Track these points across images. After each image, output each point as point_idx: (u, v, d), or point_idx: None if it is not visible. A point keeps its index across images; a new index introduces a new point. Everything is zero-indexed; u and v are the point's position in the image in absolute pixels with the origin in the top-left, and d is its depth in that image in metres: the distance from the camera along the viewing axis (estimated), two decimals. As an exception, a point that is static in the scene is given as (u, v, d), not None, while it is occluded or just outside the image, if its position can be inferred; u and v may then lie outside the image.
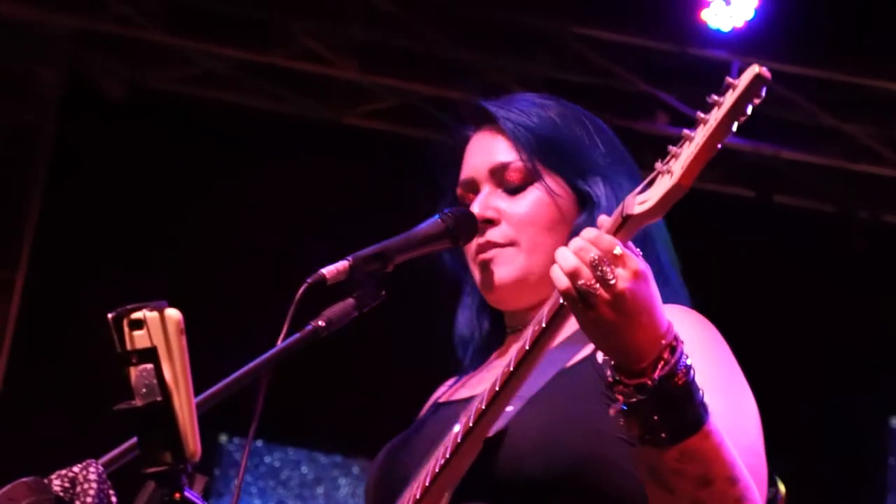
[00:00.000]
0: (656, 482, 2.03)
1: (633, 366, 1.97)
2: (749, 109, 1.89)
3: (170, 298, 1.78)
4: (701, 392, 1.98)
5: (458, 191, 2.57)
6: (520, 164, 2.50)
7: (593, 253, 1.97)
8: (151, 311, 1.74)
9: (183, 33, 7.58)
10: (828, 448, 7.52)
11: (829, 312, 7.62)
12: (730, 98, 1.88)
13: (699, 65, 7.24)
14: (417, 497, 2.20)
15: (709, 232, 7.45)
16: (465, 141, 2.61)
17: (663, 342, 1.96)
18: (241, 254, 7.55)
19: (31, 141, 7.59)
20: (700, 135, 1.90)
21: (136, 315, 1.74)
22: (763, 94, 1.88)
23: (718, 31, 7.15)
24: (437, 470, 2.18)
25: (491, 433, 2.20)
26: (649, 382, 1.95)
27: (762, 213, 7.63)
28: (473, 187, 2.54)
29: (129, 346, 1.74)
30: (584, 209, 2.48)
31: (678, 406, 1.96)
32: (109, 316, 1.75)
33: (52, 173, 7.62)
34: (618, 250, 1.95)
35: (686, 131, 1.92)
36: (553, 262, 2.10)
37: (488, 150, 2.54)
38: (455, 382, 2.63)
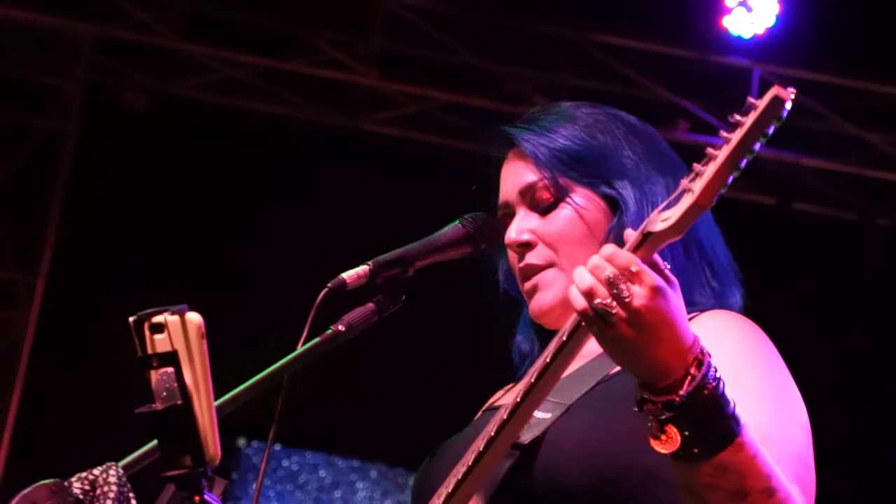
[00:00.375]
0: (691, 496, 2.02)
1: (658, 382, 1.95)
2: (772, 130, 1.89)
3: (191, 303, 1.78)
4: (732, 404, 1.96)
5: (499, 214, 2.55)
6: (544, 182, 2.48)
7: (608, 271, 1.95)
8: (172, 314, 1.74)
9: (204, 41, 7.60)
10: (833, 451, 7.49)
11: (848, 319, 7.60)
12: (749, 119, 1.89)
13: (720, 72, 7.24)
14: (441, 502, 2.18)
15: (729, 239, 7.44)
16: (500, 162, 2.59)
17: (689, 357, 1.95)
18: (263, 259, 7.57)
19: (52, 149, 7.62)
20: (720, 154, 1.90)
21: (157, 319, 1.74)
22: (785, 114, 1.89)
23: (740, 37, 7.15)
24: (459, 477, 2.17)
25: (527, 440, 2.20)
26: (676, 399, 1.93)
27: (783, 220, 7.61)
28: (509, 211, 2.53)
29: (149, 350, 1.75)
30: (615, 216, 2.47)
31: (709, 421, 1.94)
32: (130, 320, 1.75)
33: (74, 180, 7.64)
34: (634, 267, 1.94)
35: (709, 150, 1.93)
36: None
37: (517, 173, 2.52)
38: (511, 388, 2.62)
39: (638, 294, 1.94)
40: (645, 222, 1.99)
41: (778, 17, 7.09)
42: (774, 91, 1.88)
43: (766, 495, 2.00)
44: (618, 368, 2.26)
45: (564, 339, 2.08)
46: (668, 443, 1.96)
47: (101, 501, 1.77)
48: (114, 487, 1.79)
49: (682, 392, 1.94)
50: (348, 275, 2.31)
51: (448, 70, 7.61)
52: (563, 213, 2.47)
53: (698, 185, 1.91)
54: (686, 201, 1.93)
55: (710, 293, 2.46)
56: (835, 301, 7.63)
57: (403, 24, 7.53)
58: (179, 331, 1.74)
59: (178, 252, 7.59)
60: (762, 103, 1.88)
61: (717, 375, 1.96)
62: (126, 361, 1.79)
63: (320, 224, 7.60)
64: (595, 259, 1.98)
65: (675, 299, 1.97)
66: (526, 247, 2.47)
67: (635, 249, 1.98)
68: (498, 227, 2.48)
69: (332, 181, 7.71)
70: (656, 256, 1.99)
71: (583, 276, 1.98)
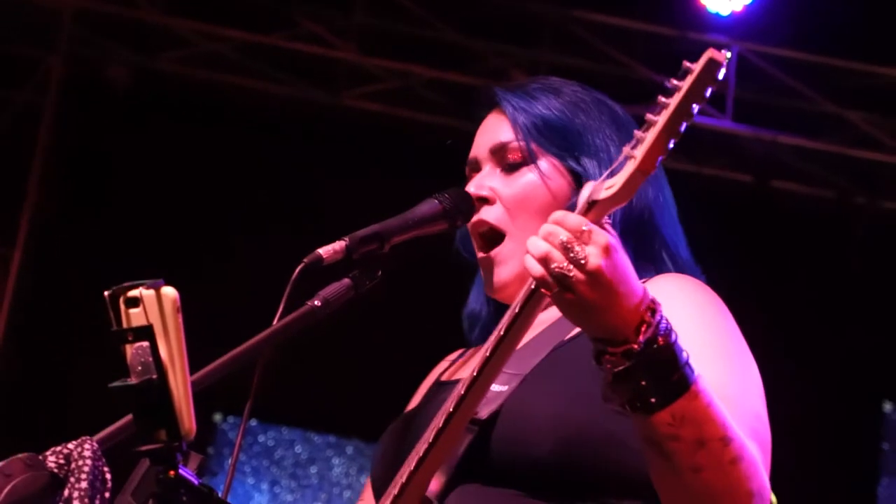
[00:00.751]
0: (653, 450, 2.03)
1: (617, 336, 1.97)
2: (708, 93, 1.90)
3: (167, 277, 1.78)
4: (685, 354, 1.98)
5: (466, 170, 2.59)
6: (516, 143, 2.51)
7: (563, 235, 1.97)
8: (148, 288, 1.73)
9: (184, 15, 7.57)
10: (821, 433, 7.53)
11: (826, 298, 7.62)
12: (686, 83, 1.90)
13: (699, 49, 7.21)
14: (403, 482, 2.19)
15: (707, 216, 7.45)
16: (477, 127, 2.63)
17: (642, 307, 1.96)
18: (240, 233, 7.55)
19: (31, 122, 7.58)
20: (659, 120, 1.91)
21: (133, 293, 1.74)
22: (720, 77, 1.90)
23: (717, 15, 7.15)
24: (421, 455, 2.17)
25: (485, 415, 2.20)
26: (636, 346, 1.95)
27: (760, 199, 7.63)
28: (476, 166, 2.55)
29: (125, 324, 1.74)
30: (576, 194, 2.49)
31: (665, 368, 1.96)
32: (105, 293, 1.75)
33: (53, 154, 7.61)
34: (585, 226, 1.95)
35: (649, 115, 1.93)
36: None
37: (492, 131, 2.56)
38: (457, 359, 2.64)
39: (593, 254, 1.95)
40: (590, 191, 1.99)
41: (756, -5, 7.10)
42: (710, 54, 1.89)
43: (722, 443, 2.02)
44: (571, 335, 2.28)
45: (517, 310, 2.09)
46: (624, 392, 1.98)
47: (76, 475, 1.77)
48: (88, 461, 1.78)
49: (640, 339, 1.95)
50: (324, 250, 2.31)
51: (429, 45, 7.60)
52: (528, 176, 2.49)
53: (639, 151, 1.92)
54: (629, 168, 1.94)
55: (661, 258, 2.47)
56: (814, 279, 7.65)
57: (384, -1, 7.52)
58: (155, 305, 1.73)
59: (156, 226, 7.57)
60: (697, 67, 1.89)
61: (669, 325, 1.98)
62: (103, 335, 1.79)
63: (299, 199, 7.59)
64: (547, 226, 1.99)
65: (623, 254, 1.99)
66: (483, 202, 2.49)
67: (583, 214, 1.99)
68: (472, 203, 2.48)
69: (312, 155, 7.70)
70: (605, 218, 2.00)
71: (537, 244, 1.99)
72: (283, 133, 7.78)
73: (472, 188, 2.50)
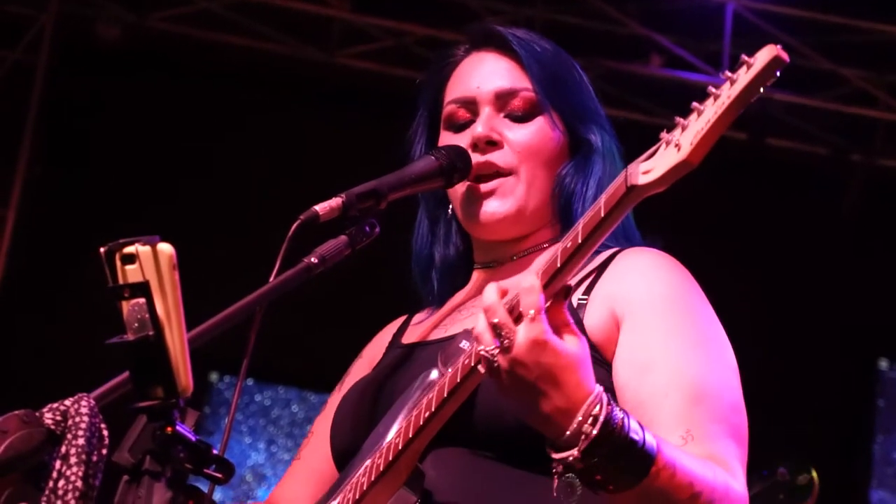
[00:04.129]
0: None
1: (553, 437, 1.95)
2: (762, 90, 1.82)
3: (164, 235, 1.77)
4: (641, 440, 1.94)
5: (450, 107, 2.54)
6: (529, 94, 2.49)
7: (497, 316, 1.94)
8: (144, 245, 1.72)
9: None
10: (817, 390, 7.55)
11: (820, 255, 7.63)
12: (744, 77, 1.81)
13: (694, 6, 7.21)
14: (400, 447, 2.18)
15: (700, 173, 7.44)
16: (455, 62, 2.59)
17: (582, 414, 1.92)
18: (237, 192, 7.54)
19: (23, 80, 7.54)
20: (711, 111, 1.84)
21: (129, 249, 1.72)
22: (778, 75, 1.81)
23: (714, -28, 7.12)
24: (421, 423, 2.16)
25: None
26: (571, 458, 1.93)
27: (755, 155, 7.61)
28: (471, 107, 2.52)
29: (121, 281, 1.73)
30: (574, 156, 2.48)
31: (616, 464, 1.93)
32: (101, 250, 1.73)
33: (44, 113, 7.58)
34: (532, 310, 1.91)
35: (695, 104, 1.86)
36: (540, 197, 2.17)
37: (496, 73, 2.52)
38: (419, 319, 2.60)
39: (518, 345, 1.92)
40: (624, 173, 1.94)
41: (753, -48, 7.07)
42: (773, 51, 1.80)
43: (692, 499, 2.00)
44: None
45: (459, 380, 2.08)
46: (576, 489, 1.99)
47: (73, 432, 1.76)
48: (85, 418, 1.78)
49: (578, 451, 1.92)
50: (321, 207, 2.30)
51: (422, 3, 7.56)
52: (538, 126, 2.48)
53: (686, 140, 1.85)
54: (673, 156, 1.87)
55: (621, 235, 2.44)
56: (809, 236, 7.65)
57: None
58: (151, 261, 1.72)
59: (151, 185, 7.56)
60: (759, 63, 1.81)
61: (620, 421, 1.93)
62: (99, 294, 1.78)
63: (293, 156, 7.57)
64: (491, 295, 1.96)
65: (566, 356, 1.93)
66: (492, 144, 2.47)
67: (617, 203, 1.94)
68: (469, 159, 2.47)
69: (306, 114, 7.67)
70: (567, 313, 1.97)
71: (479, 319, 1.98)
72: (277, 92, 7.75)
73: (480, 129, 2.47)
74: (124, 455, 1.74)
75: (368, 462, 2.24)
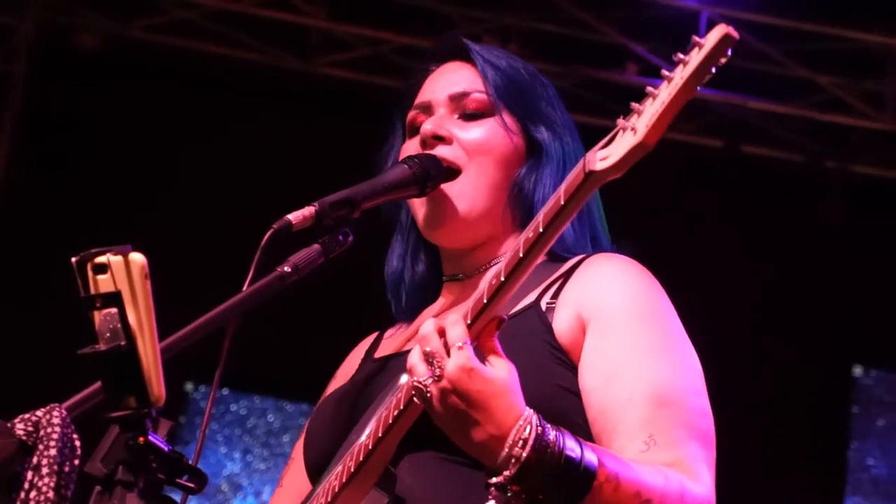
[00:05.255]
0: None
1: (486, 462, 1.98)
2: (714, 69, 1.86)
3: (138, 244, 1.77)
4: (578, 456, 1.96)
5: (411, 114, 2.56)
6: (481, 94, 2.51)
7: (430, 345, 2.00)
8: (115, 255, 1.72)
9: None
10: (790, 398, 7.57)
11: (795, 262, 7.65)
12: (696, 58, 1.85)
13: (669, 15, 7.23)
14: (370, 447, 2.19)
15: (677, 181, 7.46)
16: (425, 76, 2.62)
17: (512, 438, 1.96)
18: (212, 201, 7.53)
19: (1, 89, 7.52)
20: (665, 93, 1.86)
21: (100, 259, 1.73)
22: (729, 53, 1.85)
23: (689, -20, 7.15)
24: (390, 421, 2.17)
25: None
26: (504, 480, 1.95)
27: (730, 163, 7.64)
28: (428, 110, 2.54)
29: (93, 290, 1.73)
30: (529, 160, 2.48)
31: (552, 487, 1.95)
32: (73, 260, 1.74)
33: (23, 121, 7.56)
34: (459, 343, 1.97)
35: (650, 88, 1.89)
36: (494, 199, 2.20)
37: (451, 79, 2.55)
38: (391, 335, 2.62)
39: (448, 373, 1.97)
40: (582, 161, 1.97)
41: (728, -40, 7.10)
42: (724, 29, 1.84)
43: None
44: (520, 307, 2.28)
45: (485, 301, 2.07)
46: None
47: (45, 443, 1.76)
48: (57, 429, 1.78)
49: (508, 475, 1.95)
50: (294, 216, 2.30)
51: (399, 12, 7.57)
52: (488, 125, 2.49)
53: (642, 124, 1.88)
54: (629, 140, 1.89)
55: (581, 235, 2.45)
56: (784, 243, 7.68)
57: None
58: (123, 271, 1.72)
59: (129, 192, 7.54)
60: (710, 41, 1.84)
61: (553, 441, 1.96)
62: (70, 304, 1.78)
63: (269, 164, 7.56)
64: (427, 326, 2.02)
65: (495, 382, 1.97)
66: (439, 139, 2.47)
67: (577, 189, 1.96)
68: (442, 166, 2.47)
69: (283, 122, 7.67)
70: (496, 342, 2.01)
71: (413, 351, 2.03)
72: (255, 100, 7.74)
73: (428, 126, 2.48)
74: (97, 465, 1.73)
75: (340, 467, 2.24)
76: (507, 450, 1.95)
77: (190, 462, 1.77)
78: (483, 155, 2.46)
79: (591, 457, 1.97)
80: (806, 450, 7.63)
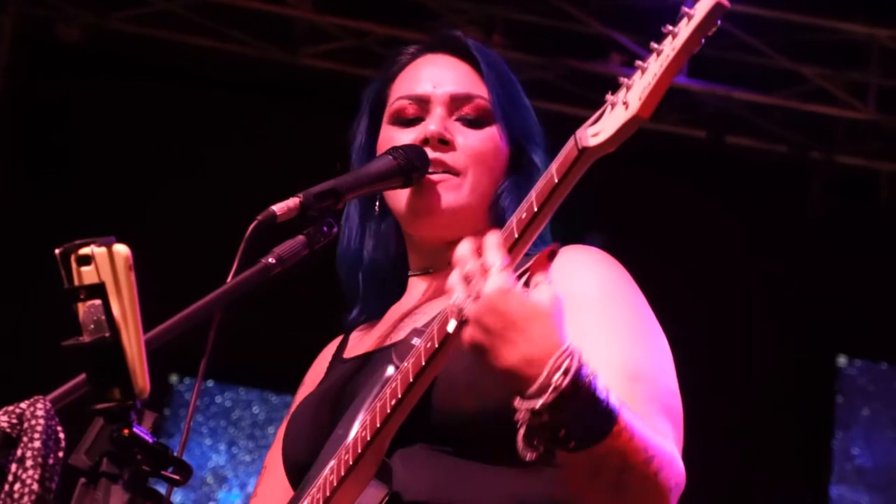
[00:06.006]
0: (573, 473, 2.02)
1: (520, 389, 1.93)
2: (703, 39, 1.84)
3: (122, 237, 1.76)
4: (605, 399, 1.94)
5: (401, 103, 2.54)
6: (484, 102, 2.50)
7: (468, 266, 1.95)
8: (99, 246, 1.72)
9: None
10: (774, 388, 7.59)
11: (780, 252, 7.67)
12: (686, 28, 1.83)
13: (653, 6, 7.23)
14: (368, 438, 2.18)
15: (660, 172, 7.47)
16: (408, 60, 2.60)
17: (551, 366, 1.91)
18: (196, 192, 7.51)
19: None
20: (656, 65, 1.85)
21: (84, 250, 1.72)
22: (719, 23, 1.83)
23: (673, -29, 7.14)
24: (388, 411, 2.15)
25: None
26: (540, 405, 1.91)
27: (714, 154, 7.65)
28: (423, 105, 2.52)
29: (76, 282, 1.72)
30: (514, 173, 2.49)
31: (581, 421, 1.92)
32: (57, 251, 1.73)
33: (4, 115, 7.54)
34: (497, 267, 1.93)
35: (638, 62, 1.87)
36: (481, 202, 2.23)
37: (452, 77, 2.53)
38: (359, 336, 2.60)
39: (486, 293, 1.93)
40: (573, 138, 1.96)
41: (712, -49, 7.09)
42: None
43: (646, 464, 2.01)
44: None
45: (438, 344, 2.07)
46: (538, 445, 1.95)
47: (29, 435, 1.76)
48: (41, 421, 1.77)
49: (544, 401, 1.91)
50: (278, 207, 2.29)
51: (384, 3, 7.56)
52: (489, 133, 2.49)
53: (634, 97, 1.86)
54: (621, 114, 1.88)
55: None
56: (769, 234, 7.69)
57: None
58: (107, 263, 1.71)
59: (111, 187, 7.52)
60: (701, 11, 1.82)
61: (589, 377, 1.93)
62: (53, 296, 1.77)
63: (255, 156, 7.55)
64: (464, 248, 1.98)
65: (534, 306, 1.94)
66: (445, 144, 2.47)
67: (571, 167, 1.95)
68: (427, 159, 2.47)
69: (268, 114, 7.66)
70: (547, 272, 1.98)
71: (452, 274, 1.99)
72: (241, 92, 7.73)
73: (434, 126, 2.47)
74: (81, 457, 1.73)
75: (334, 462, 2.23)
76: (545, 377, 1.90)
77: (175, 454, 1.77)
78: (480, 163, 2.47)
79: (615, 401, 1.96)
80: (791, 440, 7.65)
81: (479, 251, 1.97)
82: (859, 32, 7.42)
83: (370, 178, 2.42)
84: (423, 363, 2.12)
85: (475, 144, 2.48)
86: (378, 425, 2.17)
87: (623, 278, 2.31)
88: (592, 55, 7.45)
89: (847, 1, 7.28)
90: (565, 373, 1.90)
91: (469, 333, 1.96)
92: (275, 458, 2.54)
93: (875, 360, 7.97)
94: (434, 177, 2.45)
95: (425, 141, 2.47)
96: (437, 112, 2.50)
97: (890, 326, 7.62)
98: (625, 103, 1.87)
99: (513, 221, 2.02)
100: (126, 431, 1.72)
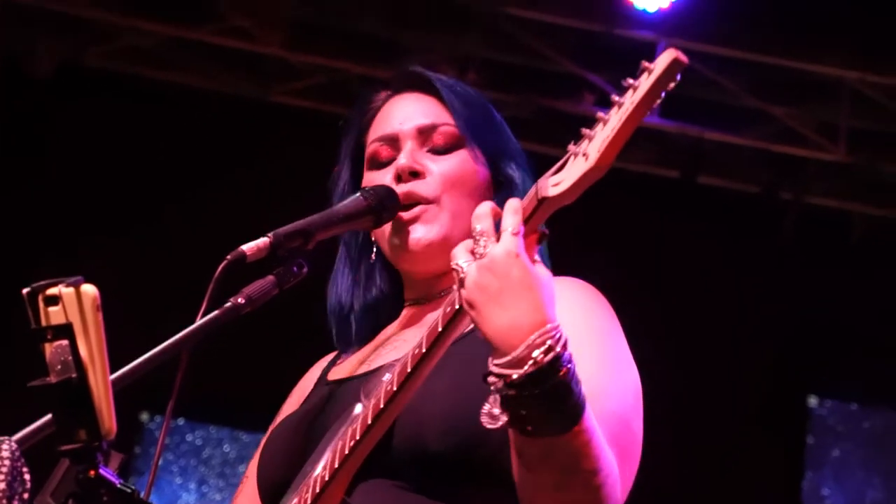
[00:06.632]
0: (520, 460, 2.02)
1: (500, 354, 1.93)
2: (664, 93, 1.87)
3: (90, 275, 1.76)
4: (579, 392, 1.94)
5: (374, 146, 2.56)
6: (450, 127, 2.52)
7: (480, 224, 1.98)
8: (67, 286, 1.72)
9: (109, 8, 7.50)
10: (745, 427, 7.60)
11: (750, 291, 7.70)
12: (646, 83, 1.86)
13: (626, 45, 7.28)
14: (327, 479, 2.18)
15: (633, 211, 7.50)
16: (379, 105, 2.62)
17: (536, 339, 1.92)
18: (165, 230, 7.50)
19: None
20: (616, 118, 1.88)
21: (52, 291, 1.72)
22: (679, 78, 1.86)
23: (644, 11, 7.19)
24: (347, 452, 2.16)
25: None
26: (515, 377, 1.91)
27: (687, 194, 7.68)
28: (394, 143, 2.54)
29: (44, 322, 1.72)
30: (499, 192, 2.50)
31: (548, 407, 1.92)
32: (24, 291, 1.73)
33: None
34: (512, 229, 1.94)
35: (600, 114, 1.90)
36: (463, 228, 2.17)
37: (417, 111, 2.55)
38: (345, 357, 2.60)
39: (494, 253, 1.94)
40: (535, 187, 1.98)
41: (682, -9, 7.15)
42: (673, 54, 1.85)
43: (592, 473, 2.00)
44: (470, 327, 2.26)
45: (457, 306, 2.06)
46: (500, 416, 1.94)
47: (-6, 476, 1.75)
48: (7, 462, 1.76)
49: (522, 372, 1.91)
50: (248, 247, 2.29)
51: (357, 41, 7.58)
52: (460, 157, 2.50)
53: (594, 149, 1.89)
54: (581, 165, 1.90)
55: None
56: (740, 273, 7.72)
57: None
58: (74, 303, 1.71)
59: (80, 221, 7.50)
60: (660, 66, 1.85)
61: (568, 364, 1.92)
62: (20, 336, 1.76)
63: (226, 193, 7.54)
64: (484, 206, 2.01)
65: (535, 277, 1.95)
66: (415, 175, 2.48)
67: (531, 215, 1.97)
68: (398, 199, 2.47)
69: (240, 151, 7.66)
70: (536, 254, 1.99)
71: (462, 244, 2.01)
72: (213, 129, 7.73)
73: (404, 160, 2.49)
74: (46, 499, 1.73)
75: (296, 500, 2.23)
76: (526, 348, 1.91)
77: (142, 495, 1.76)
78: (455, 188, 2.48)
79: (584, 401, 1.96)
80: (761, 479, 7.65)
81: (496, 213, 2.00)
82: (829, 74, 7.48)
83: (340, 218, 2.42)
84: (382, 405, 2.13)
85: (446, 169, 2.49)
86: (336, 466, 2.17)
87: (600, 309, 2.32)
88: (565, 94, 7.49)
89: (817, 43, 7.34)
90: (547, 351, 1.91)
91: (466, 290, 1.96)
92: (254, 471, 2.54)
93: (845, 400, 7.99)
94: (407, 214, 2.46)
95: (399, 177, 2.48)
96: (408, 146, 2.51)
97: (860, 367, 7.65)
98: (585, 154, 1.90)
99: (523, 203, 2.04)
100: (92, 473, 1.71)
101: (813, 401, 7.93)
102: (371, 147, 2.57)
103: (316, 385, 2.58)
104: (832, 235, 7.82)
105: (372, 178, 2.54)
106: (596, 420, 2.06)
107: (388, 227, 2.49)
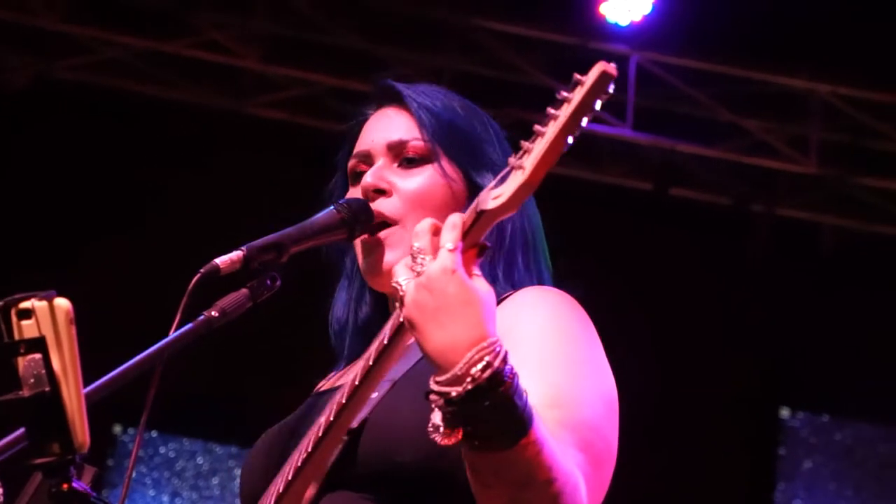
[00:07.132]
0: (474, 476, 2.01)
1: (440, 372, 1.93)
2: (598, 105, 1.87)
3: (63, 288, 1.76)
4: (524, 404, 1.92)
5: (351, 162, 2.56)
6: (419, 142, 2.50)
7: (419, 242, 1.97)
8: (40, 300, 1.72)
9: (83, 22, 7.49)
10: (717, 439, 7.62)
11: (722, 303, 7.72)
12: (577, 95, 1.87)
13: (599, 58, 7.28)
14: (281, 491, 2.19)
15: (607, 224, 7.52)
16: (364, 120, 2.62)
17: (475, 356, 1.90)
18: (139, 242, 7.49)
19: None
20: (550, 132, 1.88)
21: (25, 304, 1.72)
22: (611, 90, 1.87)
23: (617, 25, 7.23)
24: (299, 464, 2.17)
25: (355, 423, 2.19)
26: (453, 395, 1.90)
27: (659, 206, 7.71)
28: (368, 160, 2.53)
29: (17, 336, 1.72)
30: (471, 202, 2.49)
31: (492, 422, 1.91)
32: (-4, 305, 1.73)
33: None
34: (450, 245, 1.93)
35: (537, 127, 1.90)
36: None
37: (388, 126, 2.54)
38: (336, 371, 2.61)
39: (430, 271, 1.93)
40: (476, 200, 1.97)
41: (654, 5, 7.18)
42: (602, 67, 1.86)
43: (547, 484, 1.98)
44: None
45: (402, 319, 2.04)
46: (448, 435, 1.93)
47: (-33, 490, 1.75)
48: (-21, 476, 1.76)
49: (459, 390, 1.90)
50: (221, 260, 2.28)
51: (331, 53, 7.59)
52: (427, 173, 2.49)
53: (529, 163, 1.90)
54: (517, 179, 1.91)
55: (528, 274, 2.45)
56: (712, 285, 7.74)
57: (287, 6, 7.49)
58: (47, 316, 1.71)
59: (53, 235, 7.48)
60: (589, 79, 1.86)
61: (510, 378, 1.91)
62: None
63: (200, 206, 7.54)
64: (423, 225, 2.00)
65: (472, 292, 1.93)
66: (379, 193, 2.47)
67: (470, 227, 1.97)
68: (371, 212, 2.47)
69: (216, 163, 7.65)
70: (477, 267, 1.98)
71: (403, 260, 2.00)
72: (188, 141, 7.72)
73: (368, 178, 2.48)
74: (19, 513, 1.72)
75: None
76: (464, 365, 1.89)
77: (115, 508, 1.76)
78: (421, 206, 2.46)
79: (531, 412, 1.94)
80: (733, 490, 7.68)
81: (436, 228, 1.98)
82: (801, 87, 7.53)
83: (314, 231, 2.41)
84: (332, 418, 2.13)
85: (411, 186, 2.48)
86: (290, 478, 2.18)
87: (572, 316, 2.30)
88: (539, 107, 7.49)
89: (789, 56, 7.39)
90: (485, 367, 1.89)
91: (406, 308, 1.96)
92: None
93: (817, 412, 8.02)
94: (373, 237, 2.46)
95: (366, 196, 2.49)
96: (378, 163, 2.51)
97: (832, 378, 7.69)
98: (521, 168, 1.90)
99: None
100: (65, 486, 1.71)
101: (785, 412, 7.95)
102: (351, 162, 2.57)
103: (308, 398, 2.59)
104: (804, 248, 7.86)
105: (354, 194, 2.53)
106: (566, 428, 2.06)
107: (359, 246, 2.49)
